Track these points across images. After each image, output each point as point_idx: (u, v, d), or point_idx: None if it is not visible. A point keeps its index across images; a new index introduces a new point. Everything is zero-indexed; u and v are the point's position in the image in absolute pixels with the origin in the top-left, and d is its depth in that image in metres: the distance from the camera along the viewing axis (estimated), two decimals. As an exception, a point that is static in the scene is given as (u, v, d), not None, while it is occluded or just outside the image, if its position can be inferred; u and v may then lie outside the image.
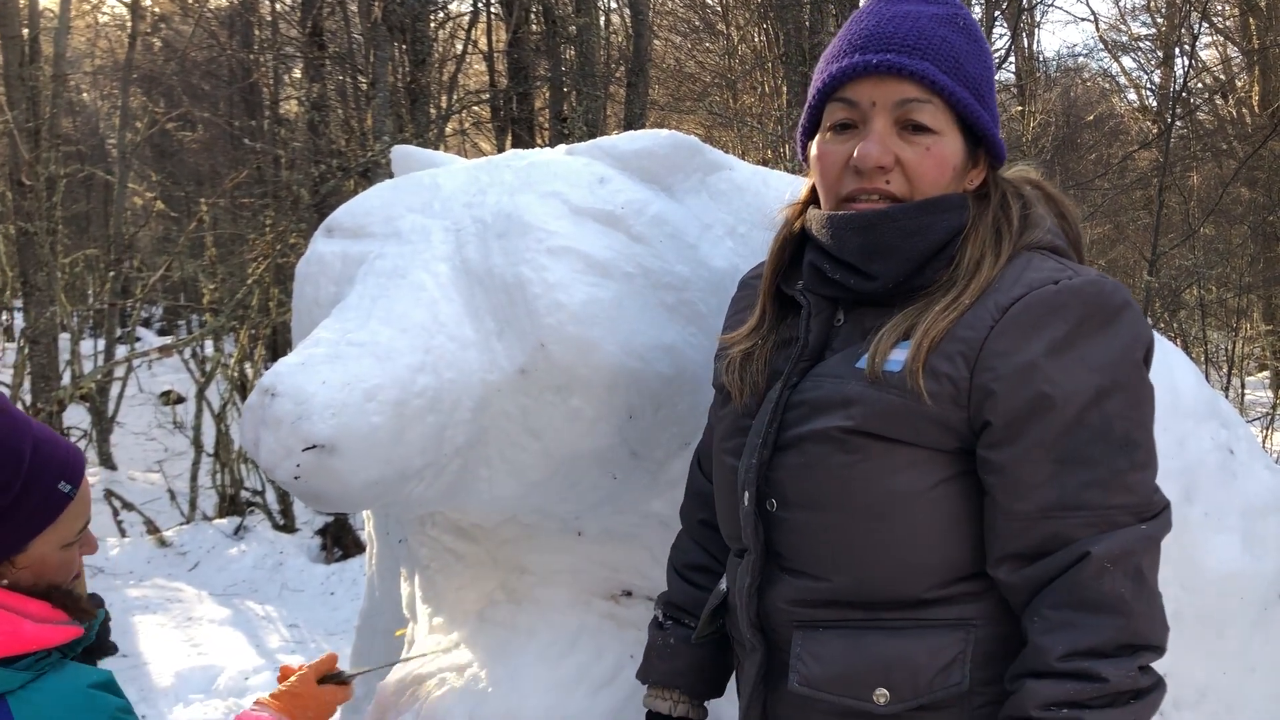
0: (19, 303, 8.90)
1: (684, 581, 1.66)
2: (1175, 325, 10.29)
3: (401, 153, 2.16)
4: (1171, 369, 2.18)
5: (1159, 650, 1.26)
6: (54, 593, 1.54)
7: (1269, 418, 9.07)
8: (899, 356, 1.32)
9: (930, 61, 1.37)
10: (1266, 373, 12.96)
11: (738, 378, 1.49)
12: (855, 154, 1.38)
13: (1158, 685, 1.25)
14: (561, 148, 2.01)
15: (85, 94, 18.72)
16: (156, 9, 13.41)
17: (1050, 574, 1.26)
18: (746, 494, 1.42)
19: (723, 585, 1.54)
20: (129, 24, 11.27)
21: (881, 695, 1.32)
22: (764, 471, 1.41)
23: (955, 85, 1.37)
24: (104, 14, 15.49)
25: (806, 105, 1.48)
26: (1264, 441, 8.65)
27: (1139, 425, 1.29)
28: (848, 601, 1.36)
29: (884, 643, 1.34)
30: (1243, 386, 10.92)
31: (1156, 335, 2.25)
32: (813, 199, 1.50)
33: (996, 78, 1.53)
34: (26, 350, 7.81)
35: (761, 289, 1.53)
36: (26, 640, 1.43)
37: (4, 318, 13.82)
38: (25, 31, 7.94)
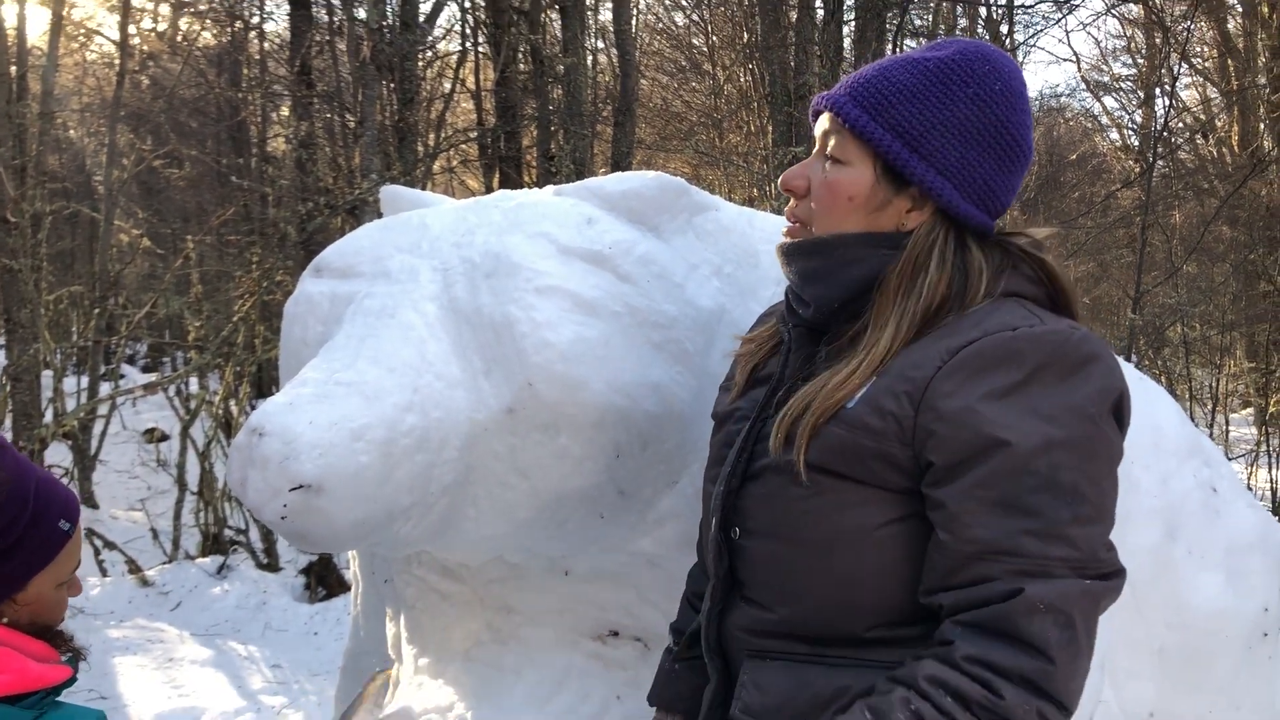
0: (2, 339, 8.85)
1: (690, 609, 1.67)
2: (1159, 363, 10.35)
3: (390, 193, 2.17)
4: (1154, 407, 2.20)
5: (1065, 711, 1.20)
6: (48, 633, 1.58)
7: (1253, 455, 9.11)
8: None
9: (849, 96, 1.41)
10: (1250, 410, 13.03)
11: (728, 407, 1.54)
12: None
13: None
14: (550, 188, 2.02)
15: (72, 131, 18.72)
16: (145, 47, 13.45)
17: (980, 599, 1.22)
18: (714, 520, 1.44)
19: None
20: (117, 62, 11.28)
21: None
22: (732, 500, 1.43)
23: (864, 118, 1.39)
24: (92, 52, 15.52)
25: None
26: (1248, 479, 8.68)
27: (1089, 479, 1.23)
28: (791, 633, 1.37)
29: (823, 678, 1.33)
30: (1227, 423, 10.98)
31: (1139, 374, 2.27)
32: None
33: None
34: (9, 387, 7.76)
35: (773, 323, 1.59)
36: (32, 679, 1.47)
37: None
38: (13, 69, 7.96)
